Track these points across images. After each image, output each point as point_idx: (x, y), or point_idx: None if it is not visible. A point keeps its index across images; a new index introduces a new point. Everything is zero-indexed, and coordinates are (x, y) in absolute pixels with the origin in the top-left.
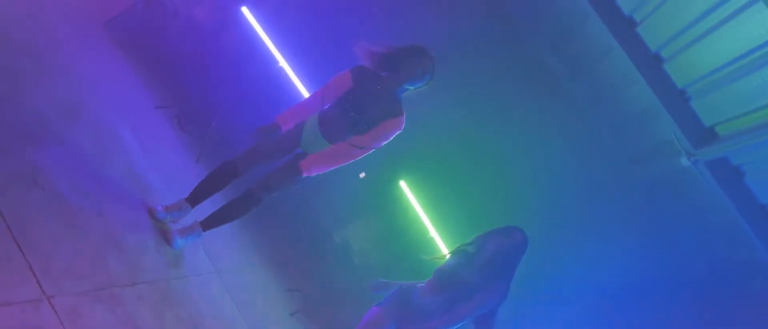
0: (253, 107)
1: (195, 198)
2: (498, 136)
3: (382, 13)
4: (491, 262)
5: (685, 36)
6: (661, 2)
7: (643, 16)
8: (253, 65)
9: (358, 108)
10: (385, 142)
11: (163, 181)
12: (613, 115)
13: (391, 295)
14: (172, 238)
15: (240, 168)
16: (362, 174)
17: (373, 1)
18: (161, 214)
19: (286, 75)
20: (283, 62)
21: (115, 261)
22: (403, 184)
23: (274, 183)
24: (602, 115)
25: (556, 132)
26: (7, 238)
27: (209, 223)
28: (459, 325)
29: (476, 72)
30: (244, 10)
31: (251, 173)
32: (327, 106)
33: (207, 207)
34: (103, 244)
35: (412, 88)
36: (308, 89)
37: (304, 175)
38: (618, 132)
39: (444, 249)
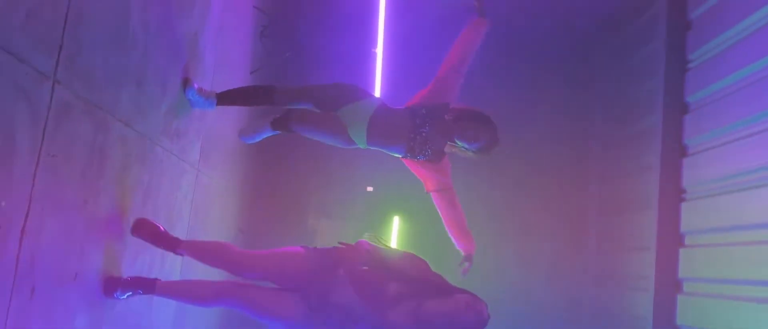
0: (328, 67)
1: (224, 98)
2: (502, 243)
3: (504, 83)
4: (430, 323)
5: (714, 287)
6: (713, 244)
7: (693, 242)
8: (355, 35)
9: (431, 125)
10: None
11: (214, 67)
12: (606, 302)
13: (326, 252)
14: (191, 85)
15: (279, 98)
16: (370, 189)
17: (501, 75)
18: (193, 90)
19: (374, 62)
20: (380, 51)
21: (128, 97)
22: (396, 219)
23: (299, 116)
24: (598, 297)
25: (554, 273)
26: (61, 13)
27: (224, 98)
28: None
29: (528, 173)
30: None
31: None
32: (392, 107)
33: (230, 114)
34: (129, 76)
35: (458, 143)
36: (382, 88)
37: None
38: (600, 314)
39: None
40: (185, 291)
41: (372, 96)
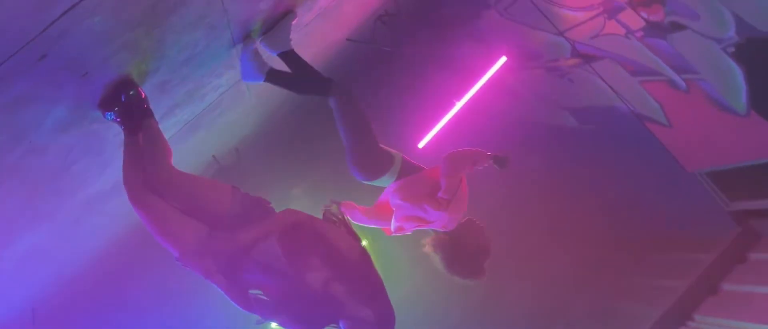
0: (408, 84)
1: (287, 57)
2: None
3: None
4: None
5: None
6: None
7: None
8: (450, 78)
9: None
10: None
11: (321, 10)
12: None
13: (257, 200)
14: (253, 45)
15: (330, 91)
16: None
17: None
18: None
19: (446, 111)
20: (458, 105)
21: None
22: (363, 244)
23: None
24: None
25: None
26: None
27: (275, 76)
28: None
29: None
30: (502, 59)
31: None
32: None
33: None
34: None
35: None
36: (434, 144)
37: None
38: None
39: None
40: (140, 154)
41: None
